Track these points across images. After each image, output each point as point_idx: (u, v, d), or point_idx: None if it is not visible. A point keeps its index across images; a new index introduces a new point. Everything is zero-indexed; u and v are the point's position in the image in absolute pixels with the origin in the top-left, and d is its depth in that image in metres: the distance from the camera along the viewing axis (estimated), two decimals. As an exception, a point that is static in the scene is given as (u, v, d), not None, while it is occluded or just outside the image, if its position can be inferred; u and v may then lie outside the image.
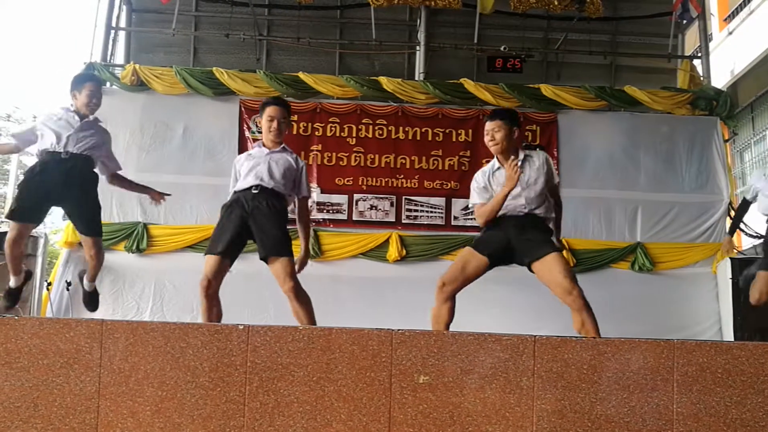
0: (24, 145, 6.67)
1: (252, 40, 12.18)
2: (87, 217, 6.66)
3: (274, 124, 6.05)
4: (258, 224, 5.79)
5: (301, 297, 5.68)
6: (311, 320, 5.63)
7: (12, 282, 6.64)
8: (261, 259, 5.83)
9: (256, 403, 4.13)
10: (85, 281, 7.01)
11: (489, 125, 5.90)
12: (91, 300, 7.13)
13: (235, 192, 5.98)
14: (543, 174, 5.86)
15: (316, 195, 10.79)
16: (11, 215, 6.37)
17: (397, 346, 4.18)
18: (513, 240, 5.72)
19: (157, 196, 7.20)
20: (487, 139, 5.90)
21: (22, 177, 6.81)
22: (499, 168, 5.94)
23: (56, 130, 6.37)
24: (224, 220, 5.89)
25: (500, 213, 5.75)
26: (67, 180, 6.39)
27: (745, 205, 7.86)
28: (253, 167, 5.95)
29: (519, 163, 5.72)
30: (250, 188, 5.87)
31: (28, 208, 6.38)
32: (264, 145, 6.11)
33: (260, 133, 10.61)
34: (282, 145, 6.12)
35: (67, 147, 6.37)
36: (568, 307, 5.58)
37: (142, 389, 4.15)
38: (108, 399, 4.14)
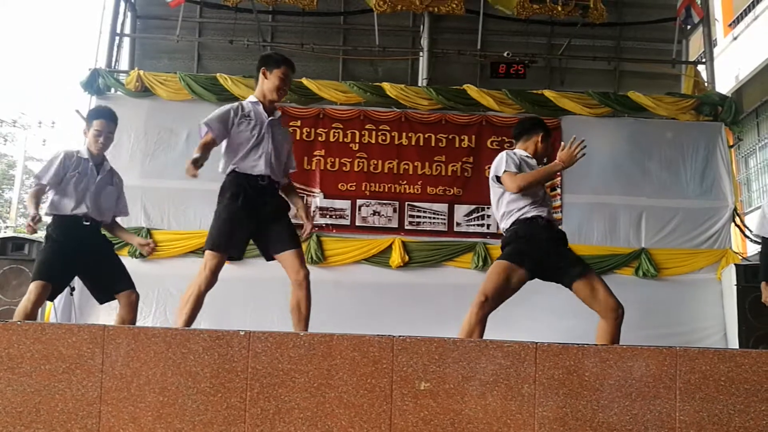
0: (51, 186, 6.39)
1: (256, 46, 12.17)
2: (126, 275, 6.56)
3: (285, 86, 5.87)
4: (270, 222, 5.67)
5: (309, 286, 5.54)
6: (308, 312, 5.52)
7: None
8: (272, 255, 5.72)
9: (256, 409, 4.12)
10: None
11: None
12: None
13: (237, 173, 5.73)
14: None
15: (318, 200, 10.79)
16: (38, 278, 6.16)
17: (398, 353, 4.17)
18: (548, 255, 5.68)
19: (144, 247, 6.91)
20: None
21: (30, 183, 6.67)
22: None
23: (73, 189, 6.27)
24: (233, 215, 5.64)
25: (535, 214, 5.72)
26: (93, 248, 6.36)
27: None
28: (258, 143, 5.71)
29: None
30: (257, 178, 5.68)
31: (51, 272, 6.21)
32: (263, 106, 5.86)
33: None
34: (278, 114, 5.96)
35: (89, 213, 6.33)
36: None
37: (144, 395, 4.15)
38: (109, 404, 4.14)
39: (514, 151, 6.09)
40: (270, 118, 5.83)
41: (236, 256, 5.74)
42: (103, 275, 6.44)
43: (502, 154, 5.93)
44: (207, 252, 5.66)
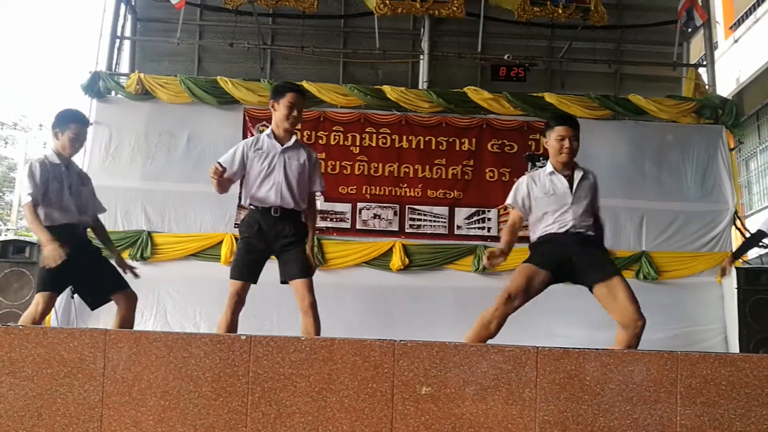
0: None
1: (256, 49, 12.19)
2: (119, 275, 6.59)
3: (294, 112, 6.00)
4: (283, 252, 5.93)
5: (316, 314, 5.76)
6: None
7: None
8: (283, 281, 5.98)
9: (258, 414, 4.13)
10: None
11: (564, 131, 5.95)
12: None
13: (252, 207, 5.99)
14: (591, 193, 6.05)
15: (319, 203, 10.79)
16: (42, 289, 6.19)
17: (400, 357, 4.18)
18: (574, 256, 5.75)
19: (126, 267, 6.81)
20: (558, 145, 5.96)
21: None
22: (553, 173, 6.04)
23: (59, 199, 6.26)
24: (248, 247, 5.96)
25: (553, 231, 5.87)
26: (84, 253, 6.35)
27: (760, 236, 7.46)
28: (269, 173, 5.94)
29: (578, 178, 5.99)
30: (269, 210, 5.92)
31: (54, 283, 6.23)
32: (275, 136, 6.06)
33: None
34: (294, 138, 6.10)
35: (78, 218, 6.36)
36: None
37: (145, 399, 4.16)
38: (111, 408, 4.15)
39: (532, 175, 6.20)
40: (283, 147, 6.02)
41: (254, 281, 6.02)
42: (98, 278, 6.43)
43: (519, 184, 6.20)
44: (230, 280, 5.98)
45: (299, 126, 6.27)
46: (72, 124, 6.39)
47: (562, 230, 5.82)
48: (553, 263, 5.74)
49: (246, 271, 5.93)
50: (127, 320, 6.40)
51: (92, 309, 6.68)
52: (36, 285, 6.35)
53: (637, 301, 5.60)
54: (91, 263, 6.39)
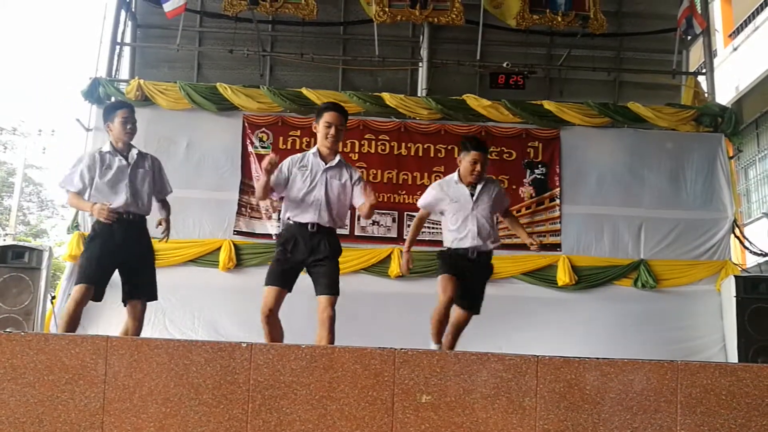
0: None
1: (255, 56, 12.20)
2: (153, 284, 6.65)
3: (332, 130, 6.11)
4: (316, 266, 5.99)
5: (333, 327, 5.80)
6: None
7: None
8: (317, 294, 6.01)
9: (258, 421, 4.13)
10: None
11: (477, 155, 6.76)
12: None
13: (289, 222, 6.07)
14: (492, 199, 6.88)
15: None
16: (83, 279, 6.20)
17: (400, 366, 4.18)
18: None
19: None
20: (471, 168, 6.76)
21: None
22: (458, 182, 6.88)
23: (108, 182, 6.34)
24: (283, 257, 6.03)
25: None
26: (132, 246, 6.39)
27: None
28: (310, 190, 6.04)
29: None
30: (306, 225, 6.00)
31: (95, 273, 6.27)
32: (320, 155, 6.15)
33: (264, 148, 10.72)
34: (338, 157, 6.21)
35: (129, 207, 6.39)
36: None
37: (146, 406, 4.16)
38: (112, 415, 4.15)
39: (442, 182, 7.09)
40: (327, 166, 6.13)
41: (288, 291, 6.05)
42: (133, 274, 6.48)
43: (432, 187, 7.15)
44: (265, 288, 6.01)
45: (340, 142, 6.30)
46: (118, 111, 6.55)
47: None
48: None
49: (281, 279, 5.97)
50: (138, 329, 6.46)
51: (124, 305, 6.60)
52: (76, 276, 6.33)
53: None
54: (135, 256, 6.44)
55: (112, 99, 11.09)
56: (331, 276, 5.96)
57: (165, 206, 7.08)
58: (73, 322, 6.13)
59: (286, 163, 6.18)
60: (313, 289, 6.01)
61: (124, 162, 6.45)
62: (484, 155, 6.81)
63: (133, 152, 6.59)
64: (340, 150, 10.80)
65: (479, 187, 6.80)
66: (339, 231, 10.29)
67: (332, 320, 5.81)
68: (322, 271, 5.95)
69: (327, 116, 6.11)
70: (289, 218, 6.10)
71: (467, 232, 6.75)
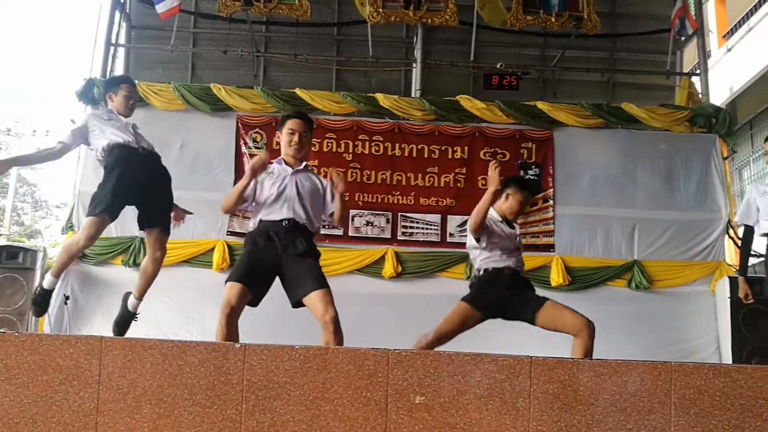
0: (75, 145, 6.47)
1: (249, 57, 12.21)
2: (167, 214, 6.69)
3: (296, 137, 5.87)
4: (292, 265, 5.59)
5: (339, 329, 5.38)
6: None
7: (48, 283, 6.32)
8: (296, 303, 5.61)
9: (252, 422, 4.13)
10: (131, 300, 6.75)
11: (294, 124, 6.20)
12: (126, 323, 6.72)
13: (261, 221, 5.73)
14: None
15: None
16: (102, 210, 6.16)
17: (394, 366, 4.18)
18: (509, 299, 6.18)
19: (179, 215, 7.01)
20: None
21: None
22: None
23: (117, 129, 6.33)
24: (254, 252, 5.65)
25: (498, 266, 6.23)
26: (151, 175, 6.48)
27: (750, 233, 7.42)
28: (281, 191, 5.74)
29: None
30: (281, 221, 5.67)
31: (114, 204, 6.24)
32: (285, 162, 5.95)
33: (257, 148, 10.72)
34: (304, 163, 5.99)
35: (141, 143, 6.41)
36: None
37: (140, 406, 4.15)
38: (106, 415, 4.14)
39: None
40: (295, 170, 5.90)
41: (255, 297, 5.61)
42: (152, 202, 6.56)
43: None
44: (227, 283, 5.57)
45: (305, 150, 6.09)
46: (123, 84, 6.57)
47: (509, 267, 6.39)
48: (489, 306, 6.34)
49: (246, 275, 5.51)
50: (153, 259, 6.69)
51: (140, 228, 6.71)
52: (93, 206, 6.24)
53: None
54: (155, 191, 6.56)
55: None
56: (316, 271, 5.60)
57: None
58: (72, 259, 6.34)
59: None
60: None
61: (123, 119, 6.51)
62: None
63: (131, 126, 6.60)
64: (335, 150, 10.98)
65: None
66: (332, 232, 10.45)
67: (337, 320, 5.39)
68: (302, 267, 5.58)
69: (290, 123, 5.91)
70: (261, 219, 5.74)
71: None
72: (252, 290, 5.52)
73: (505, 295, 6.13)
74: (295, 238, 5.63)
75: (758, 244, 7.29)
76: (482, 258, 6.30)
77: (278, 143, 6.05)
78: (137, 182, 6.34)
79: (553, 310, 5.97)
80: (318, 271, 5.63)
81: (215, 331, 5.49)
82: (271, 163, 5.93)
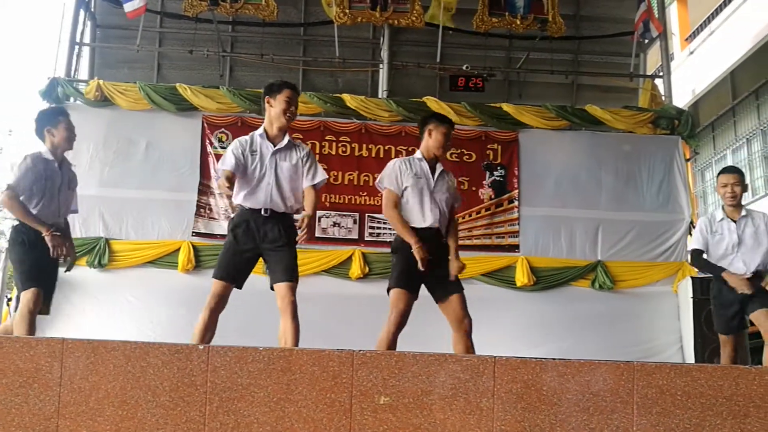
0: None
1: (216, 57, 12.17)
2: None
3: (293, 108, 5.91)
4: (271, 253, 5.78)
5: (296, 314, 5.62)
6: (297, 341, 5.53)
7: None
8: (271, 286, 5.78)
9: (216, 424, 4.12)
10: None
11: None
12: None
13: (242, 207, 5.86)
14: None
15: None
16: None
17: (358, 367, 4.19)
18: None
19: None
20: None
21: None
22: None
23: (44, 195, 6.16)
24: (234, 246, 5.81)
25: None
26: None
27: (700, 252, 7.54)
28: (261, 176, 5.82)
29: None
30: (259, 210, 5.78)
31: None
32: (267, 136, 5.93)
33: (222, 148, 10.68)
34: (286, 138, 5.97)
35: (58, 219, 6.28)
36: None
37: (103, 409, 4.13)
38: (67, 419, 4.11)
39: (408, 157, 6.47)
40: (275, 149, 5.91)
41: (237, 285, 5.83)
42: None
43: (389, 164, 6.44)
44: (213, 280, 5.81)
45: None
46: (61, 118, 6.36)
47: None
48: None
49: (230, 271, 5.77)
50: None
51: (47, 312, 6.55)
52: (20, 283, 6.11)
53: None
54: (54, 263, 6.33)
55: (72, 100, 11.02)
56: (288, 262, 5.75)
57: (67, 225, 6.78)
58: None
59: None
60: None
61: (60, 172, 6.32)
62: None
63: (67, 163, 6.48)
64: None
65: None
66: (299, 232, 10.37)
67: (294, 306, 5.63)
68: (277, 257, 5.75)
69: (289, 93, 5.89)
70: (240, 204, 5.89)
71: None
72: (236, 282, 5.79)
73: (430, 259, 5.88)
74: (273, 227, 5.77)
75: None
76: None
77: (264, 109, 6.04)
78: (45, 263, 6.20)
79: (455, 303, 5.92)
80: (289, 261, 5.77)
81: (196, 325, 5.69)
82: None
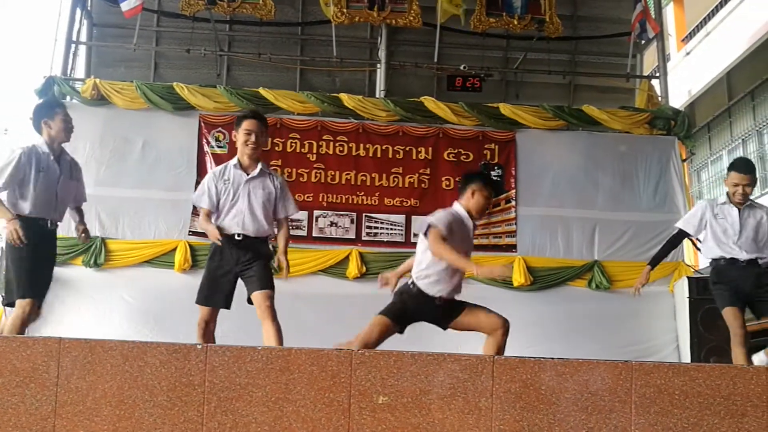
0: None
1: (213, 56, 12.14)
2: None
3: (252, 137, 6.04)
4: (246, 270, 5.95)
5: (274, 317, 5.81)
6: (281, 343, 5.65)
7: None
8: (248, 300, 5.97)
9: (214, 423, 4.11)
10: None
11: (741, 179, 6.64)
12: None
13: (221, 233, 5.94)
14: None
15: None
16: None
17: (357, 367, 4.18)
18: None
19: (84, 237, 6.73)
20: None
21: None
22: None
23: (36, 190, 6.08)
24: (213, 274, 6.02)
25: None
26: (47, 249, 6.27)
27: (681, 237, 7.60)
28: (234, 204, 6.00)
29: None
30: (233, 236, 5.97)
31: None
32: (240, 166, 6.08)
33: (219, 147, 10.68)
34: (260, 166, 6.11)
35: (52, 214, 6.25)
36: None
37: (100, 408, 4.12)
38: (64, 418, 4.10)
39: (452, 208, 6.17)
40: (248, 177, 6.06)
41: (223, 306, 6.05)
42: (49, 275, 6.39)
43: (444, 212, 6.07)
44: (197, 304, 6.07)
45: (263, 149, 6.23)
46: (58, 110, 6.34)
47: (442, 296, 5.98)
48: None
49: (211, 295, 5.99)
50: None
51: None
52: (16, 287, 6.04)
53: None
54: (50, 261, 6.36)
55: (68, 98, 11.00)
56: (261, 273, 5.94)
57: (81, 214, 6.77)
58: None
59: (209, 180, 6.10)
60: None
61: (56, 166, 6.26)
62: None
63: (66, 156, 6.43)
64: (299, 151, 10.93)
65: None
66: (296, 232, 10.40)
67: (272, 310, 5.82)
68: (251, 272, 5.92)
69: (246, 124, 6.07)
70: (218, 226, 6.05)
71: None
72: (220, 304, 6.01)
73: (436, 314, 5.81)
74: (246, 252, 5.98)
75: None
76: (426, 266, 5.97)
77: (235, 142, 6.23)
78: (43, 262, 6.22)
79: (469, 314, 5.73)
80: (262, 272, 5.98)
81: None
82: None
